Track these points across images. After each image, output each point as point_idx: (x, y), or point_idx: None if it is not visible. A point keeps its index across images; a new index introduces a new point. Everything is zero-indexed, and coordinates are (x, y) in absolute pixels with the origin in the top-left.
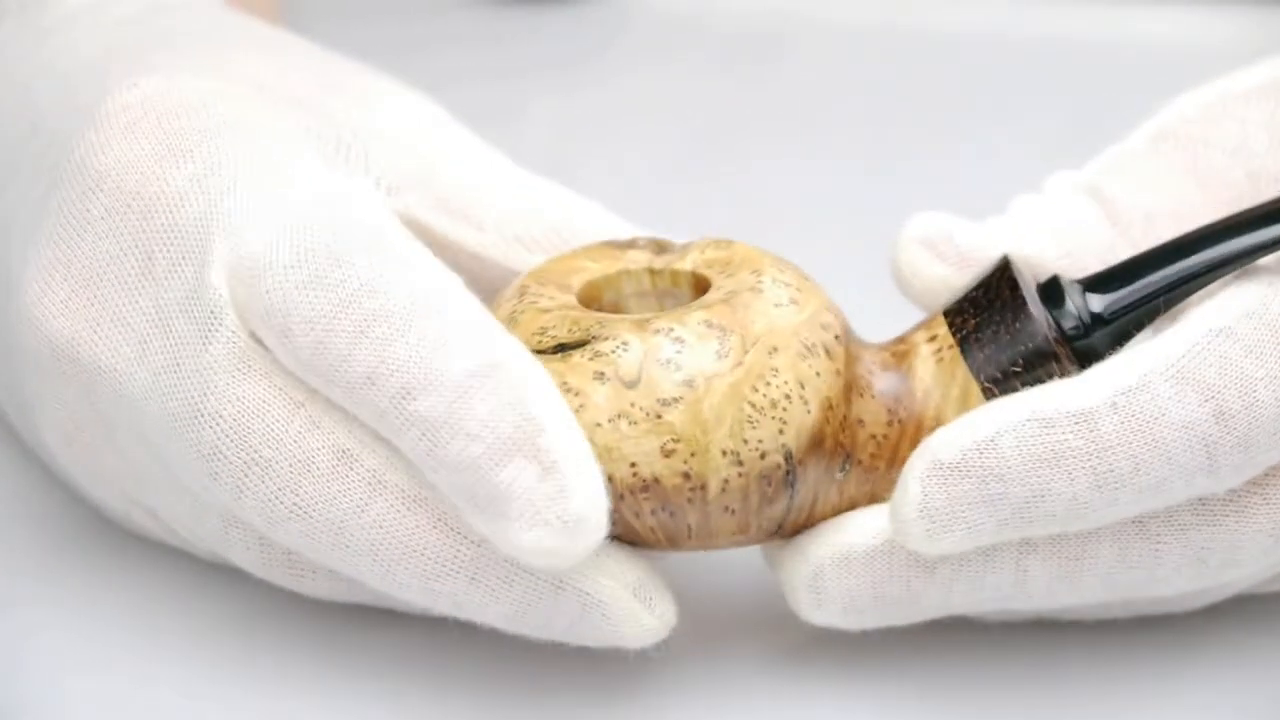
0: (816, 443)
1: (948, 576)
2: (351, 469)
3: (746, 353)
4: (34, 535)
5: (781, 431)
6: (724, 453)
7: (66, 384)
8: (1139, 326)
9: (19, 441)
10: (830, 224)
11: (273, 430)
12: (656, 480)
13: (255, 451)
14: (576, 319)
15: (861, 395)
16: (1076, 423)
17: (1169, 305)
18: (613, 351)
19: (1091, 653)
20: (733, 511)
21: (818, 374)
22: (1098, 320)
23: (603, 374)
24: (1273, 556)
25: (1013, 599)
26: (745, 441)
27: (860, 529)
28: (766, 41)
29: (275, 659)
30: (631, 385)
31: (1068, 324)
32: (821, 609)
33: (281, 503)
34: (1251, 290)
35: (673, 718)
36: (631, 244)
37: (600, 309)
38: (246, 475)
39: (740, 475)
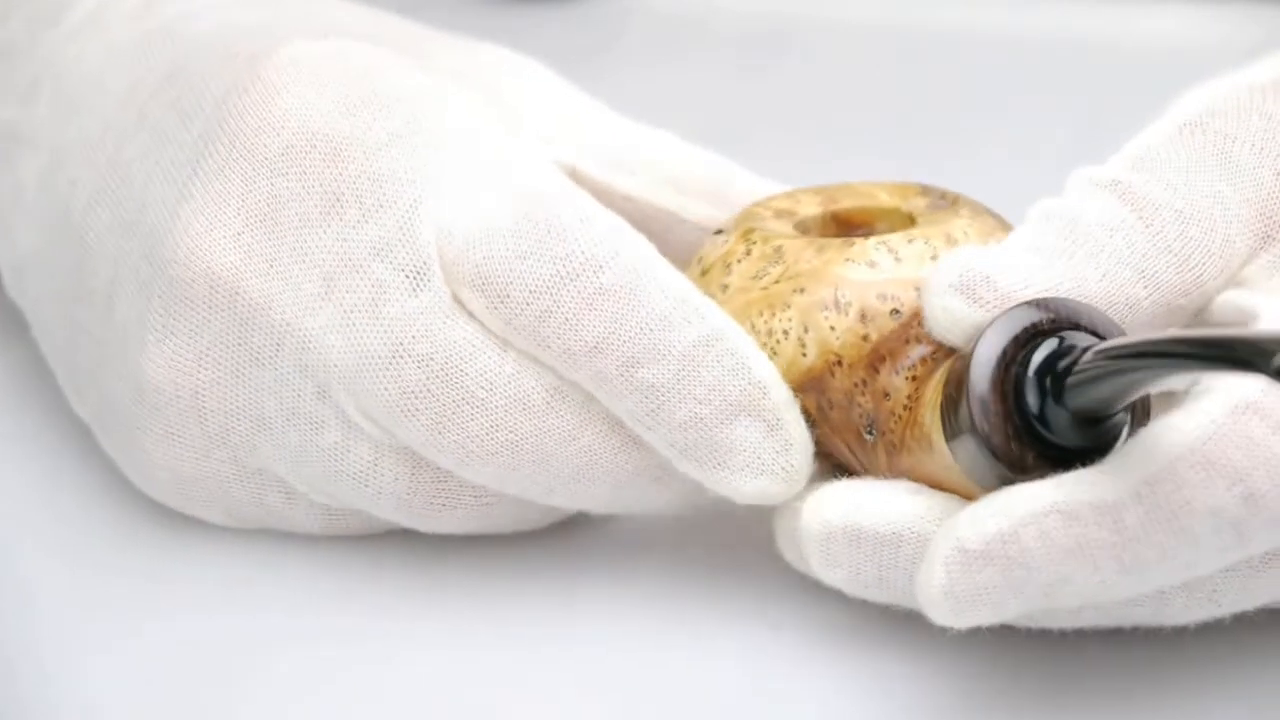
0: (814, 387)
1: None
2: (564, 403)
3: (776, 282)
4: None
5: (770, 360)
6: None
7: (214, 323)
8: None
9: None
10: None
11: (486, 372)
12: None
13: (468, 391)
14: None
15: (897, 372)
16: (1100, 515)
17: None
18: (722, 244)
19: (1091, 648)
20: None
21: (832, 328)
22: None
23: (700, 259)
24: None
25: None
26: None
27: (874, 510)
28: (768, 41)
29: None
30: (704, 274)
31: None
32: (830, 570)
33: (493, 439)
34: None
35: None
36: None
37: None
38: (455, 413)
39: None
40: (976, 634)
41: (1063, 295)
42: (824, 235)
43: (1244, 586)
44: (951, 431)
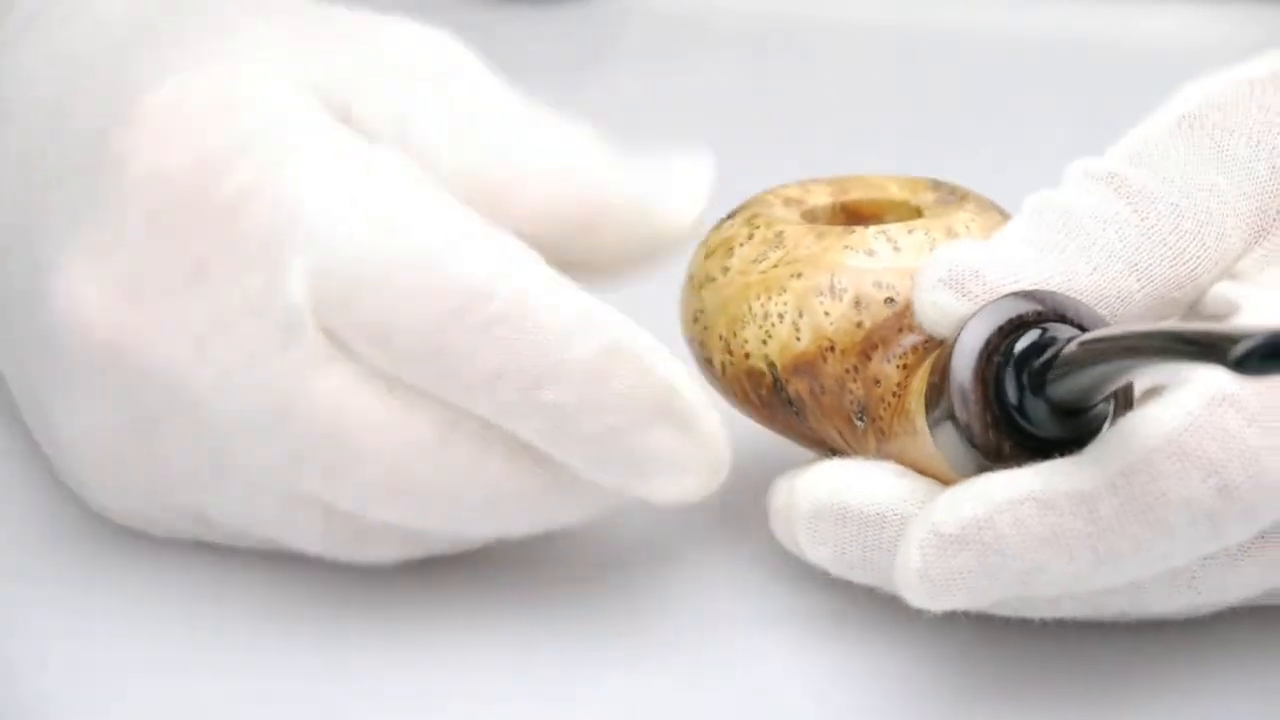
0: (807, 371)
1: None
2: (460, 435)
3: (775, 266)
4: (35, 534)
5: (765, 342)
6: (719, 337)
7: (105, 386)
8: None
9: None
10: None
11: (371, 418)
12: (690, 338)
13: (355, 440)
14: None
15: (888, 360)
16: (1075, 504)
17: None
18: (727, 228)
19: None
20: (746, 396)
21: (827, 313)
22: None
23: (705, 242)
24: (1267, 582)
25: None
26: (735, 335)
27: (861, 489)
28: (769, 41)
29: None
30: (707, 257)
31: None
32: (815, 549)
33: (392, 484)
34: None
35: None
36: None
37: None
38: (346, 465)
39: (730, 364)
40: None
41: (1053, 288)
42: (831, 225)
43: (1223, 577)
44: (934, 419)
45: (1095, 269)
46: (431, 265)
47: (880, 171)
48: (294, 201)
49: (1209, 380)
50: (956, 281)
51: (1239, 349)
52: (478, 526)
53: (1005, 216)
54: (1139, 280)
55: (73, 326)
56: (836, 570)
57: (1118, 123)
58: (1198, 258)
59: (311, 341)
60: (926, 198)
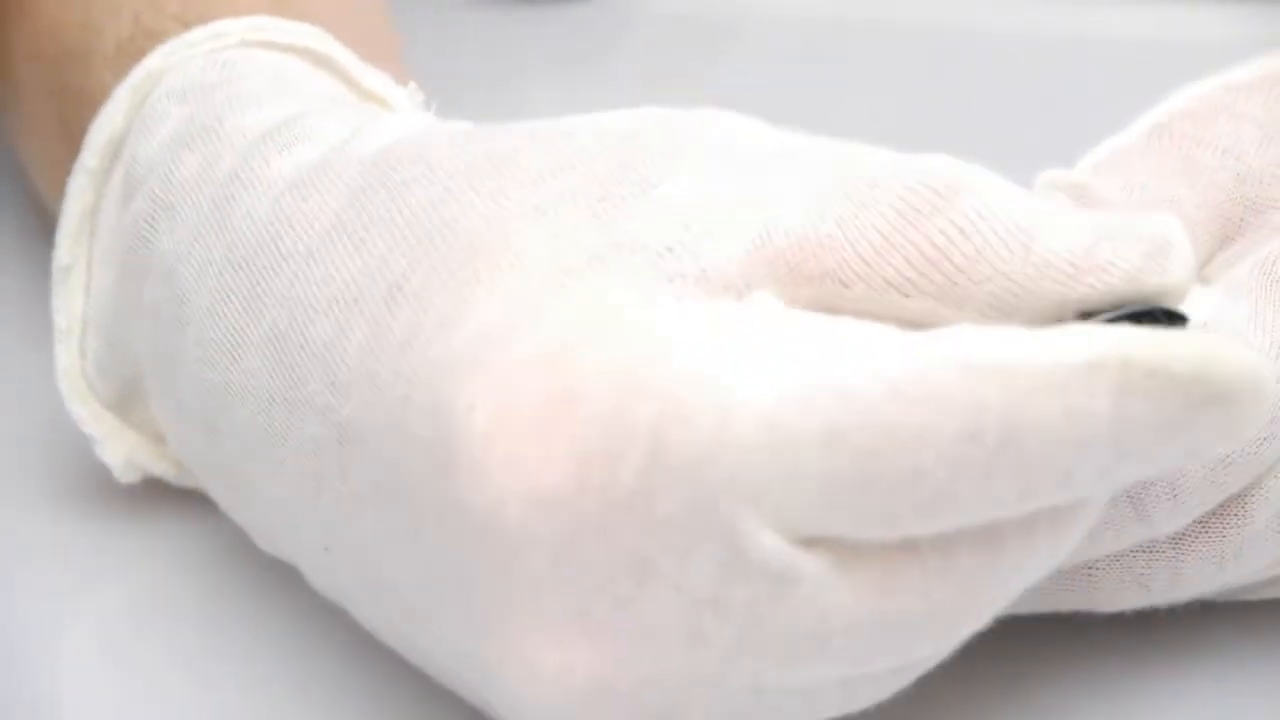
0: None
1: None
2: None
3: None
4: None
5: None
6: None
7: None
8: None
9: None
10: None
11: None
12: None
13: (920, 609)
14: None
15: None
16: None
17: None
18: None
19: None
20: None
21: None
22: None
23: None
24: (1217, 582)
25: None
26: None
27: None
28: (774, 41)
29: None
30: None
31: None
32: None
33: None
34: None
35: None
36: None
37: None
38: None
39: None
40: None
41: None
42: None
43: (1173, 573)
44: None
45: None
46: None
47: None
48: (707, 455)
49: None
50: None
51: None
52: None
53: None
54: None
55: (554, 698)
56: None
57: (1119, 121)
58: None
59: (813, 574)
60: None
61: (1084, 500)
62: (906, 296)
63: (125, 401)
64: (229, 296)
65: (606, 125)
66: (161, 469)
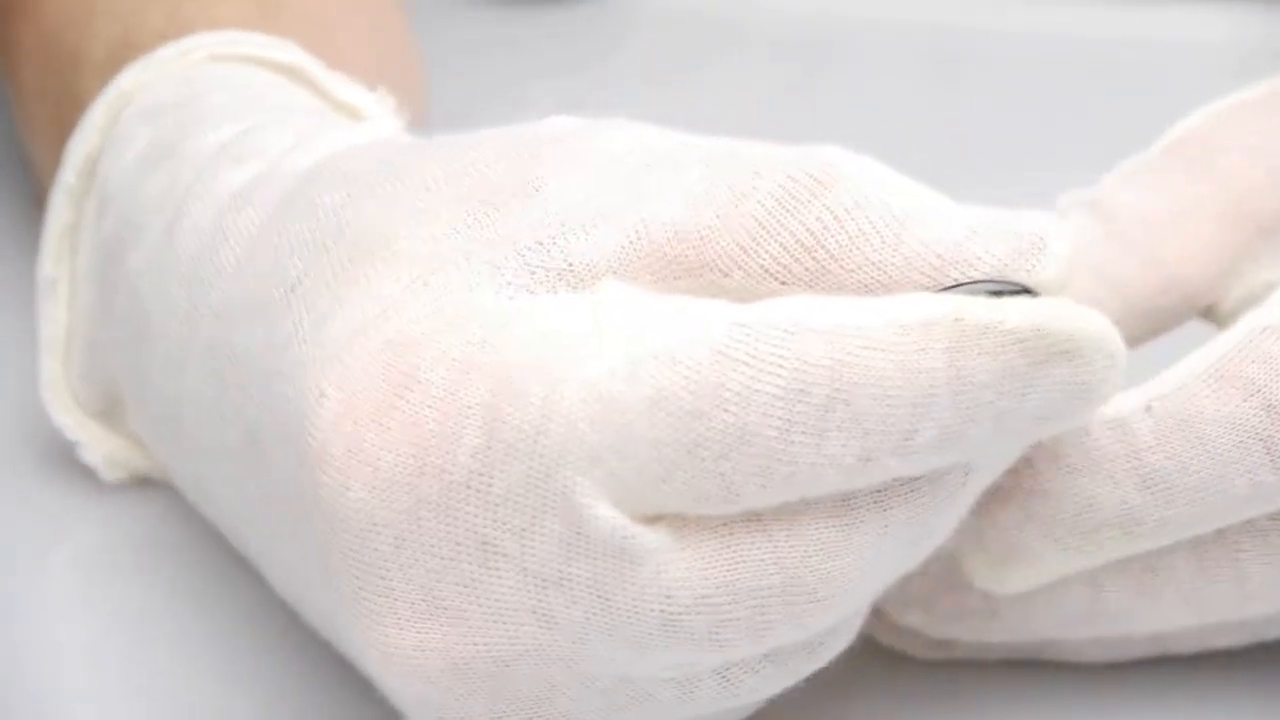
0: None
1: (1024, 595)
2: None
3: None
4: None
5: None
6: None
7: (470, 704)
8: None
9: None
10: None
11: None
12: None
13: (768, 585)
14: None
15: None
16: (1111, 429)
17: None
18: None
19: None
20: None
21: None
22: None
23: None
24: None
25: (1094, 620)
26: None
27: None
28: (778, 41)
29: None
30: None
31: None
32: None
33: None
34: None
35: None
36: None
37: None
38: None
39: None
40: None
41: None
42: None
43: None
44: None
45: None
46: (729, 378)
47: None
48: (538, 428)
49: (1253, 316)
50: None
51: None
52: None
53: None
54: (1108, 288)
55: (411, 680)
56: (927, 628)
57: (1137, 126)
58: (1180, 264)
59: (654, 549)
60: None
61: (947, 471)
62: (783, 284)
63: (110, 410)
64: (175, 310)
65: (510, 135)
66: (146, 467)
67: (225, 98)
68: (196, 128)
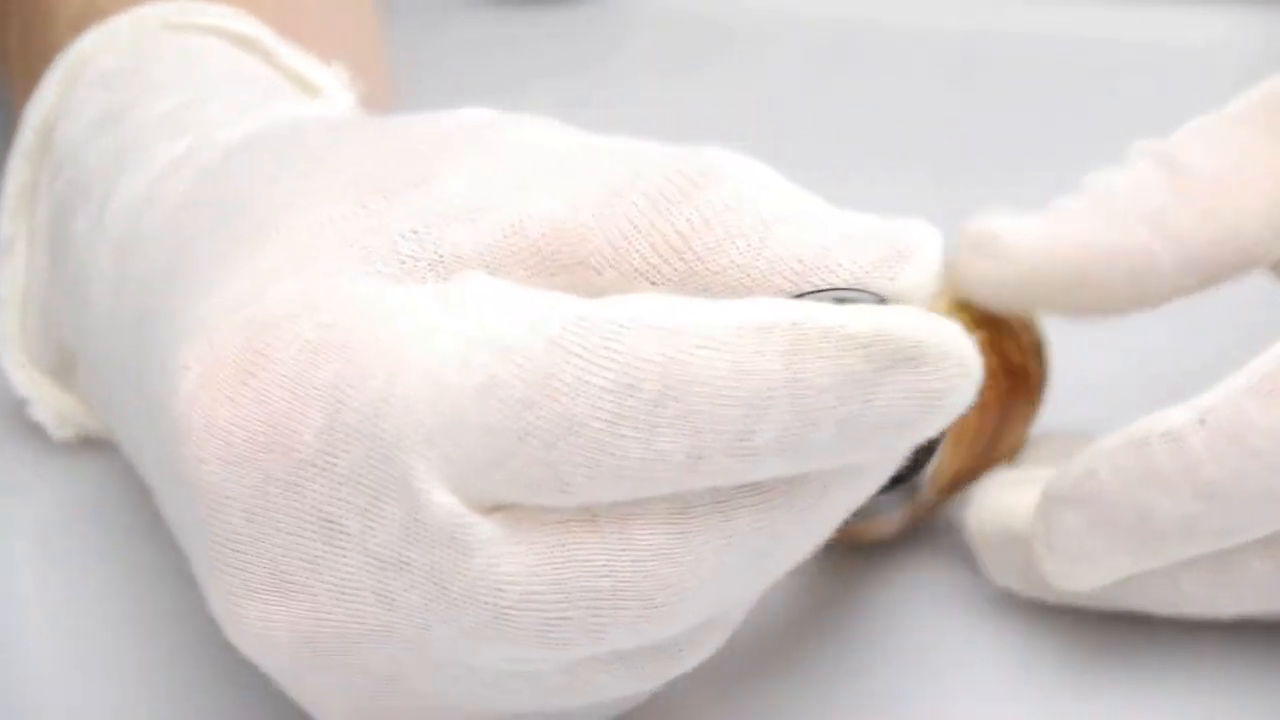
0: None
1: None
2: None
3: None
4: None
5: None
6: None
7: (323, 678)
8: None
9: None
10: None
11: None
12: None
13: (599, 586)
14: None
15: None
16: (1166, 441)
17: None
18: None
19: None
20: None
21: None
22: None
23: None
24: None
25: (1177, 605)
26: None
27: (1009, 511)
28: (780, 41)
29: None
30: None
31: None
32: (1003, 579)
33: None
34: None
35: None
36: None
37: None
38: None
39: None
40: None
41: (1070, 248)
42: None
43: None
44: None
45: (1114, 228)
46: (560, 371)
47: (899, 176)
48: (378, 410)
49: None
50: (980, 246)
51: None
52: None
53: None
54: (1163, 238)
55: (260, 654)
56: (1028, 594)
57: (1144, 125)
58: (1238, 218)
59: (486, 539)
60: None
61: (803, 481)
62: (654, 284)
63: (62, 368)
64: (106, 278)
65: (423, 124)
66: (94, 426)
67: (175, 67)
68: (144, 96)
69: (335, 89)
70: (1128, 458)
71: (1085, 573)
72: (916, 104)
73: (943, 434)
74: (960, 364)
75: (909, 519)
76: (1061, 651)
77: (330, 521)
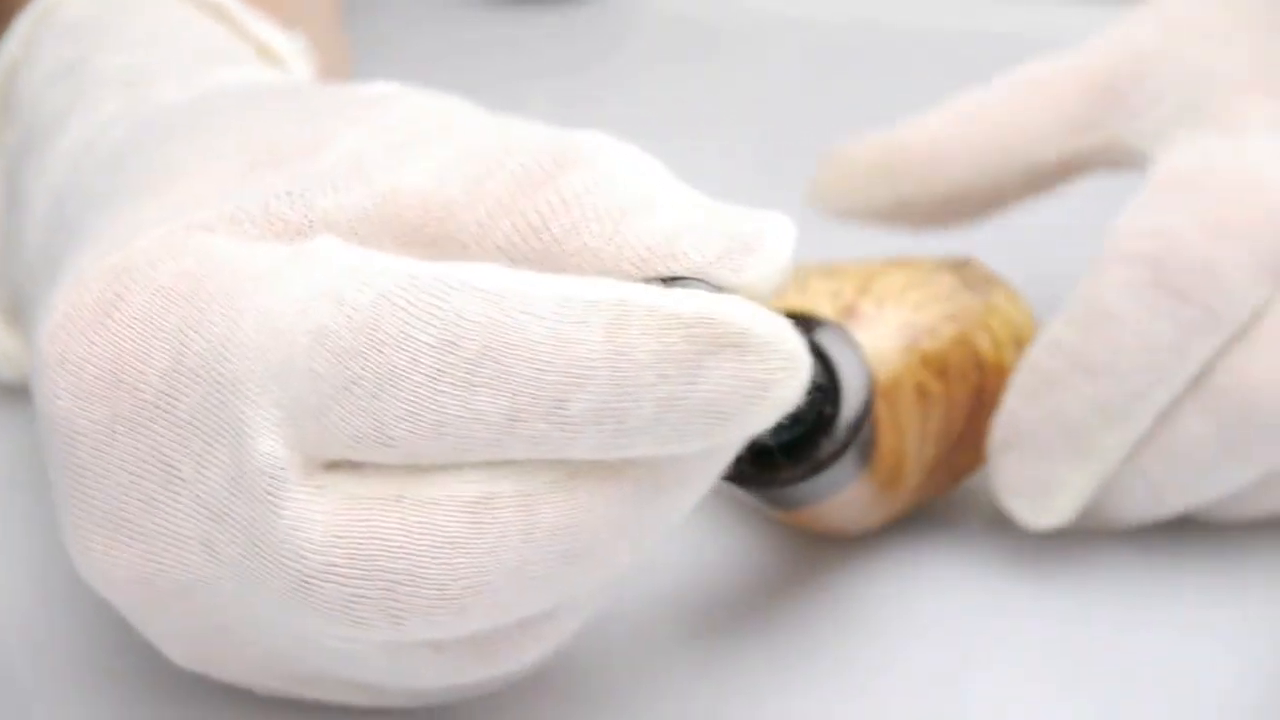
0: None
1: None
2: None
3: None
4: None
5: None
6: None
7: (163, 618)
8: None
9: None
10: (845, 227)
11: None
12: None
13: (395, 567)
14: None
15: None
16: (1045, 349)
17: None
18: None
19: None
20: None
21: None
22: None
23: None
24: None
25: (1163, 498)
26: None
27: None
28: (779, 42)
29: None
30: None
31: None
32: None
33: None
34: None
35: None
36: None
37: None
38: (398, 591)
39: None
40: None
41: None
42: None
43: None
44: None
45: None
46: (389, 330)
47: None
48: (218, 355)
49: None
50: (830, 156)
51: None
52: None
53: (983, 303)
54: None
55: (96, 580)
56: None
57: None
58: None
59: (295, 500)
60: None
61: (616, 481)
62: (514, 262)
63: (17, 310)
64: (36, 223)
65: (331, 95)
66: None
67: (137, 23)
68: (100, 50)
69: (296, 59)
70: (1025, 378)
71: (1052, 503)
72: (916, 104)
73: (846, 404)
74: (786, 357)
75: (875, 505)
76: (1059, 646)
77: (169, 465)
